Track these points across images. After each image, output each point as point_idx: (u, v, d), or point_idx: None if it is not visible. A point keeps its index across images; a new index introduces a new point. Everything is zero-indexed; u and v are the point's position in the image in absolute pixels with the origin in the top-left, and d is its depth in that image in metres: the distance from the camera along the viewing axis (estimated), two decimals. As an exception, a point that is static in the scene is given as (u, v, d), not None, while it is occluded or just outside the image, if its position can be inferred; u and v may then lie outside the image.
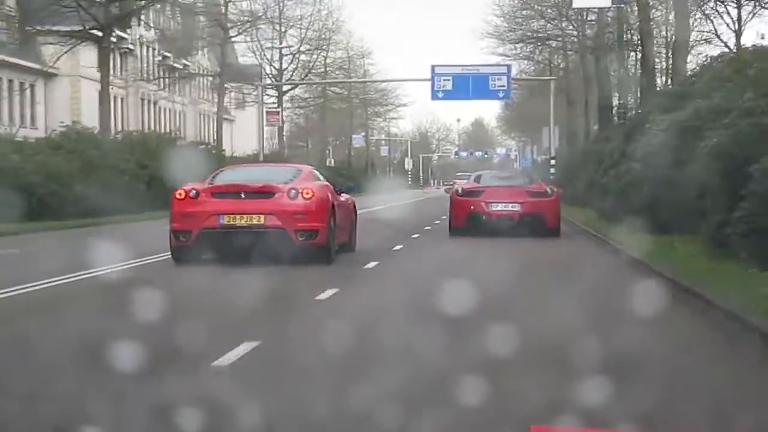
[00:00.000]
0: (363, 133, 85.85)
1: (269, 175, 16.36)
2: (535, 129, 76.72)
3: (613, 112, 46.77)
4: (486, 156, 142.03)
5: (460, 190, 23.38)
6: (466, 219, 22.25)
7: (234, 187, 15.45)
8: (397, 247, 19.21)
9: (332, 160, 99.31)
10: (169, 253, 15.44)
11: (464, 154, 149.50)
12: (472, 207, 22.21)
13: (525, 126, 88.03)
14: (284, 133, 75.80)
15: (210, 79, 64.58)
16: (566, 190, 39.57)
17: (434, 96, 52.84)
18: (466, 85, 52.02)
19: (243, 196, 15.11)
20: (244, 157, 56.57)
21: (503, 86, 52.21)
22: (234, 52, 77.03)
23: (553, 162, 50.94)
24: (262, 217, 14.83)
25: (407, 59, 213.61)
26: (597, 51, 48.32)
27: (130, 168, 33.87)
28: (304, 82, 67.53)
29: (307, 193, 15.10)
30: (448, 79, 52.34)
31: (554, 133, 52.19)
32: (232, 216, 14.86)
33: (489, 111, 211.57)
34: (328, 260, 15.26)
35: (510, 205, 22.10)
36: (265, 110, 54.33)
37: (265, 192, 15.21)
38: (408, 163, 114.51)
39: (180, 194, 15.22)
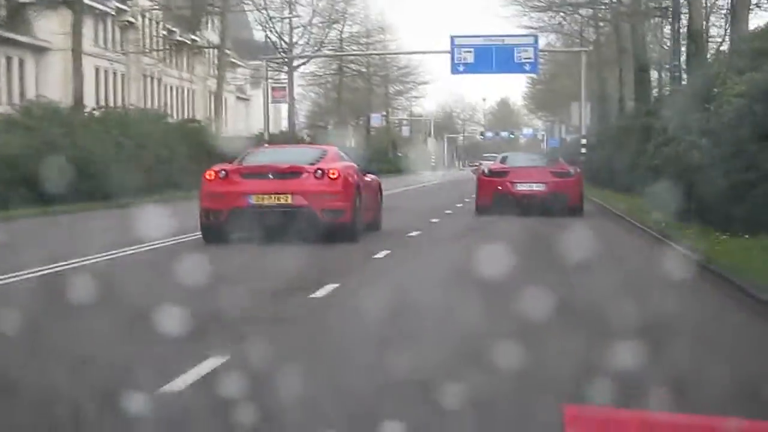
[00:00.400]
0: (383, 113, 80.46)
1: (296, 156, 16.57)
2: (564, 107, 71.84)
3: (653, 83, 42.02)
4: (512, 136, 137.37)
5: (486, 171, 23.88)
6: (493, 198, 22.74)
7: (262, 168, 15.65)
8: (414, 233, 17.94)
9: (353, 141, 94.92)
10: (199, 232, 15.59)
11: (490, 134, 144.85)
12: (499, 187, 22.73)
13: (553, 104, 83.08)
14: (302, 113, 71.47)
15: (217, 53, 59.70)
16: (600, 173, 34.93)
17: (454, 69, 48.08)
18: (489, 57, 47.25)
19: (271, 176, 15.34)
20: (247, 137, 51.96)
21: (530, 59, 47.36)
22: (248, 26, 72.54)
23: (584, 141, 46.15)
24: (290, 197, 15.05)
25: (429, 35, 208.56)
26: (633, 18, 43.29)
27: (105, 148, 29.30)
28: (314, 55, 62.54)
29: (333, 174, 15.28)
30: (470, 51, 47.60)
31: (585, 110, 47.32)
32: (260, 196, 15.09)
33: (515, 90, 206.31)
34: (354, 239, 15.41)
35: (534, 184, 22.59)
36: (270, 86, 49.43)
37: (293, 172, 15.40)
38: (431, 144, 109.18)
39: (210, 175, 15.47)
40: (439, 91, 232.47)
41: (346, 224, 15.42)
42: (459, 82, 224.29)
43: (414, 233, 17.58)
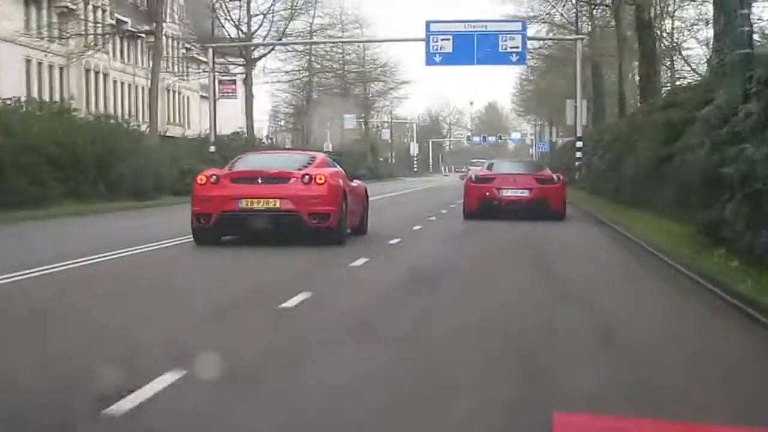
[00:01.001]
0: (361, 115, 73.39)
1: (285, 162, 16.76)
2: (555, 108, 64.91)
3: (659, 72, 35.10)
4: (500, 141, 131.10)
5: (473, 177, 24.42)
6: (479, 203, 23.31)
7: (251, 173, 15.88)
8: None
9: (330, 144, 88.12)
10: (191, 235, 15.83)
11: (476, 139, 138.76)
12: (486, 193, 23.25)
13: (543, 106, 76.08)
14: (259, 112, 64.37)
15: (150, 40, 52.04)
16: (602, 181, 28.03)
17: (429, 60, 41.18)
18: (470, 46, 40.39)
19: (260, 181, 15.59)
20: (186, 138, 44.96)
21: (517, 48, 40.50)
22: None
23: (579, 144, 39.20)
24: (278, 201, 15.37)
25: (411, 31, 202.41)
26: (638, -1, 36.32)
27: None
28: (272, 43, 54.80)
29: (320, 179, 15.58)
30: (447, 39, 40.75)
31: (581, 107, 40.36)
32: (249, 200, 15.41)
33: (504, 94, 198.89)
34: (340, 242, 15.67)
35: (519, 190, 23.12)
36: (217, 79, 42.35)
37: (281, 178, 15.66)
38: (413, 148, 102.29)
39: (201, 179, 15.81)
40: (425, 94, 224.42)
41: (332, 228, 15.65)
42: (445, 84, 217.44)
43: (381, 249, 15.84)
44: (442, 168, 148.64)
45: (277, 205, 15.36)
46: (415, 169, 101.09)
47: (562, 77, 62.37)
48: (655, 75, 35.79)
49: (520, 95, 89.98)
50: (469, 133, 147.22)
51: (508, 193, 23.16)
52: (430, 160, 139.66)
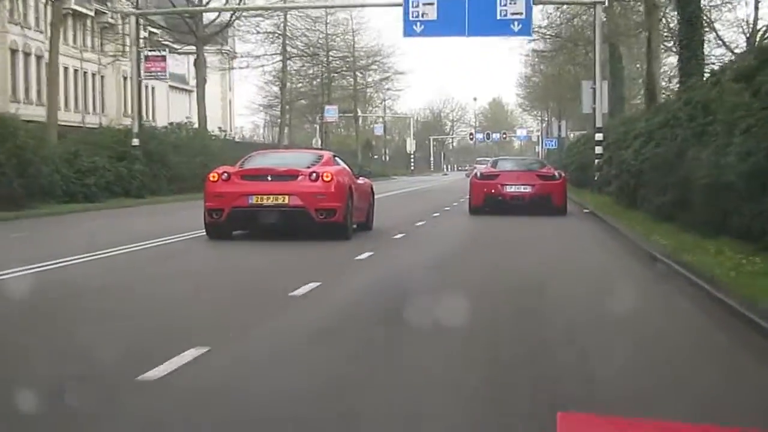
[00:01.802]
0: (344, 107, 63.91)
1: (293, 160, 17.22)
2: (564, 99, 55.76)
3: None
4: (504, 138, 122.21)
5: (479, 174, 24.88)
6: (484, 199, 23.85)
7: (261, 170, 16.27)
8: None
9: (319, 140, 79.25)
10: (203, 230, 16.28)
11: (480, 136, 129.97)
12: (492, 189, 23.77)
13: (550, 96, 66.85)
14: (243, 104, 55.32)
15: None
16: (633, 184, 19.17)
17: (408, 31, 32.23)
18: (460, 12, 31.36)
19: (270, 178, 15.95)
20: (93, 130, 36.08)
21: (520, 14, 31.40)
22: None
23: (599, 136, 30.13)
24: (287, 197, 15.70)
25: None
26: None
27: None
28: (216, 9, 44.74)
29: (327, 176, 15.90)
30: (431, 3, 31.61)
31: (602, 91, 31.22)
32: (259, 196, 15.73)
33: (509, 89, 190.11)
34: (346, 237, 15.96)
35: (522, 186, 23.57)
36: (142, 56, 33.26)
37: (290, 175, 16.01)
38: (410, 145, 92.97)
39: (213, 177, 16.21)
40: (426, 89, 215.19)
41: (338, 223, 15.93)
42: (448, 79, 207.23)
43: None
44: (444, 166, 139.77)
45: (286, 201, 15.75)
46: (412, 168, 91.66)
47: (573, 62, 53.51)
48: (700, 45, 26.66)
49: (526, 87, 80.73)
50: (473, 131, 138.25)
51: (511, 189, 23.64)
52: (431, 158, 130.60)
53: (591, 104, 31.38)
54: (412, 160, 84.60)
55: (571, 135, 50.65)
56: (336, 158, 17.68)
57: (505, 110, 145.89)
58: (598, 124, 30.76)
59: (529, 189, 23.52)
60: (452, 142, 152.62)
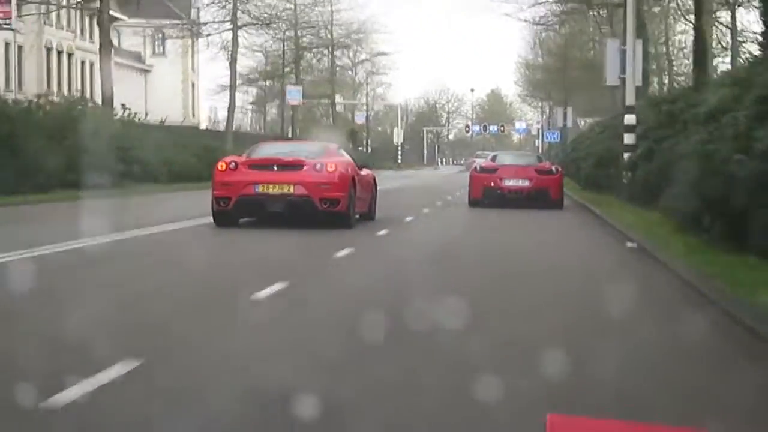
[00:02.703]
0: (298, 87, 54.66)
1: (299, 151, 17.57)
2: (572, 81, 46.94)
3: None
4: (502, 131, 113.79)
5: (478, 168, 25.51)
6: (483, 192, 24.39)
7: (268, 160, 16.74)
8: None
9: (297, 130, 70.30)
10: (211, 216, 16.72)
11: (477, 129, 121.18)
12: (490, 183, 24.29)
13: (554, 82, 57.99)
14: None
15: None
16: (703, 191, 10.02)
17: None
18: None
19: (276, 168, 16.38)
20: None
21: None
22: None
23: (631, 120, 21.30)
24: (292, 186, 16.14)
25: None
26: None
27: None
28: None
29: (331, 167, 16.36)
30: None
31: (635, 53, 22.23)
32: (265, 185, 16.17)
33: (508, 80, 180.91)
34: (349, 225, 16.40)
35: (520, 180, 24.09)
36: None
37: (295, 165, 16.44)
38: (398, 135, 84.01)
39: (221, 166, 16.62)
40: (422, 79, 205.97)
41: (341, 212, 16.35)
42: (444, 69, 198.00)
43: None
44: (438, 160, 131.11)
45: (291, 191, 16.14)
46: (399, 161, 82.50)
47: (580, 48, 45.03)
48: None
49: (526, 72, 71.84)
50: (469, 123, 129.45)
51: (510, 183, 24.12)
52: (425, 151, 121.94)
53: (619, 73, 22.42)
54: (399, 152, 75.33)
55: (582, 123, 41.57)
56: (340, 150, 18.30)
57: (504, 102, 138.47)
58: (630, 101, 22.00)
59: (527, 183, 24.06)
60: (448, 135, 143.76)
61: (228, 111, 46.15)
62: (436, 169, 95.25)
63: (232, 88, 45.81)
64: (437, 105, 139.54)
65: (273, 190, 16.11)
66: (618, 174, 22.78)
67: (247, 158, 16.97)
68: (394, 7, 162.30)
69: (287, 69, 54.47)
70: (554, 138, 66.52)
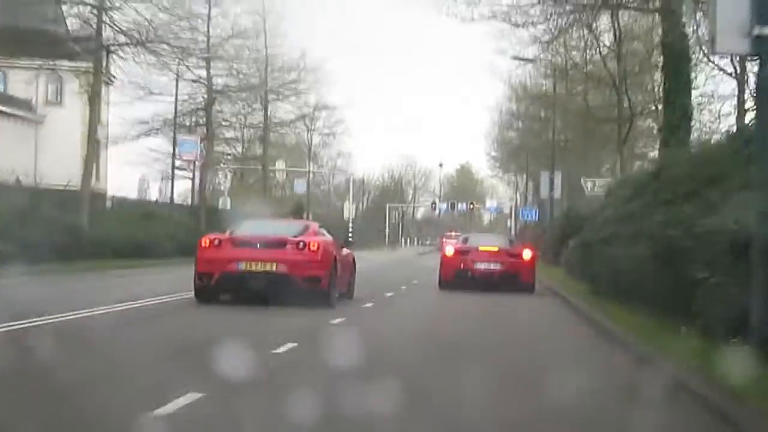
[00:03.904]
0: (194, 137, 42.51)
1: (281, 229, 17.91)
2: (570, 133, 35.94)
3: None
4: (472, 209, 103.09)
5: (449, 251, 25.21)
6: (455, 274, 24.22)
7: (251, 238, 16.97)
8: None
9: (228, 200, 58.64)
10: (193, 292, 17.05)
11: (444, 207, 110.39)
12: (461, 264, 24.21)
13: (535, 147, 47.05)
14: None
15: None
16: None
17: None
18: None
19: (259, 246, 16.68)
20: None
21: None
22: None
23: None
24: (274, 264, 16.39)
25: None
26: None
27: None
28: None
29: (314, 246, 16.67)
30: None
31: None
32: (249, 263, 16.42)
33: (479, 155, 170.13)
34: (329, 304, 16.57)
35: (492, 264, 24.03)
36: None
37: (278, 243, 16.73)
38: (349, 210, 72.30)
39: (205, 242, 17.04)
40: (385, 151, 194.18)
41: (323, 290, 16.56)
42: (411, 143, 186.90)
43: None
44: (402, 240, 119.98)
45: (274, 269, 16.33)
46: (350, 238, 70.49)
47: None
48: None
49: (501, 140, 60.93)
50: (436, 200, 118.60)
51: (482, 266, 23.96)
52: (387, 230, 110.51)
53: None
54: (350, 229, 63.59)
55: (590, 187, 30.09)
56: (321, 228, 18.42)
57: (475, 179, 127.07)
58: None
59: (498, 266, 24.03)
60: (414, 212, 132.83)
61: (84, 167, 34.18)
62: (393, 250, 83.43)
63: (91, 141, 33.87)
64: (403, 180, 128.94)
65: (255, 267, 16.33)
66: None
67: (230, 235, 17.24)
68: (355, 71, 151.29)
69: (194, 118, 42.93)
70: (531, 216, 55.47)
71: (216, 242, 16.71)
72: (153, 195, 62.15)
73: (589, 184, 30.19)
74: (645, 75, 32.00)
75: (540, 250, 34.87)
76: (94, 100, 32.46)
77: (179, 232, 36.92)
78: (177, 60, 33.77)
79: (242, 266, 16.20)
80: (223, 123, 48.36)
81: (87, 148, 34.47)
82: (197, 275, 16.55)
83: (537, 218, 55.63)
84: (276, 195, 60.76)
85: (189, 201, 50.69)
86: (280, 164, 59.46)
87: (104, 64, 38.13)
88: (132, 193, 43.10)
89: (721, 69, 30.29)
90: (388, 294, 21.15)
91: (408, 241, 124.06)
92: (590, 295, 18.67)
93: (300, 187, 65.64)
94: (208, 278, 16.38)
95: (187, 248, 39.55)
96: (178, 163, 49.42)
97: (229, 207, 58.98)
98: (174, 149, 39.34)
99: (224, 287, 16.56)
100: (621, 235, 15.01)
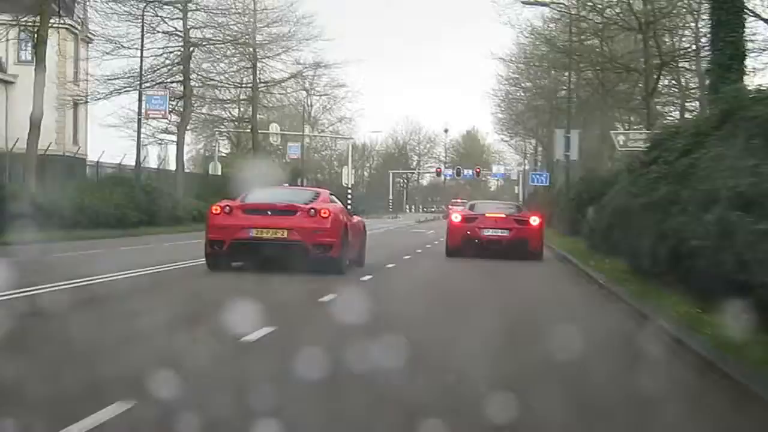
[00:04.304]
0: (162, 93, 37.88)
1: (292, 196, 17.90)
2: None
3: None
4: (478, 175, 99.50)
5: (457, 218, 24.78)
6: (462, 242, 23.85)
7: (262, 205, 16.89)
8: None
9: (218, 165, 54.83)
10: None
11: (449, 173, 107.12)
12: (467, 232, 23.85)
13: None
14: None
15: None
16: None
17: None
18: None
19: (270, 213, 16.60)
20: None
21: None
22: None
23: None
24: (285, 231, 16.28)
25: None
26: None
27: None
28: None
29: (325, 213, 16.54)
30: None
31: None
32: (260, 230, 16.33)
33: (485, 120, 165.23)
34: (340, 271, 16.37)
35: (500, 230, 23.67)
36: None
37: (289, 210, 16.63)
38: (347, 176, 68.16)
39: (216, 209, 16.77)
40: (388, 117, 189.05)
41: (333, 258, 16.39)
42: (416, 108, 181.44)
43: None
44: (408, 207, 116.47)
45: (285, 236, 16.22)
46: (350, 207, 66.60)
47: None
48: None
49: (507, 99, 56.80)
50: (440, 166, 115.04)
51: (489, 233, 23.62)
52: (390, 197, 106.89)
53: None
54: (349, 195, 59.64)
55: (624, 141, 25.70)
56: (332, 195, 18.46)
57: (481, 144, 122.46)
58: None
59: (506, 233, 23.72)
60: (419, 179, 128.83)
61: (30, 126, 30.10)
62: (394, 217, 79.36)
63: (38, 93, 29.76)
64: (407, 146, 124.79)
65: (267, 234, 16.25)
66: None
67: (241, 203, 17.13)
68: (364, 36, 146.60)
69: (172, 74, 38.63)
70: (541, 181, 51.40)
71: (227, 209, 16.60)
72: (152, 161, 58.00)
73: (621, 138, 25.91)
74: (676, 18, 27.89)
75: (552, 218, 31.58)
76: (41, 48, 28.53)
77: (144, 201, 33.67)
78: (149, 8, 29.66)
79: (253, 233, 16.25)
80: (209, 82, 44.28)
81: (33, 104, 30.48)
82: (208, 242, 16.54)
83: (548, 183, 51.70)
84: (271, 161, 56.67)
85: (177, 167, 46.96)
86: (273, 128, 55.33)
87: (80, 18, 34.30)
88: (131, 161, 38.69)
89: (756, 15, 26.32)
90: (389, 265, 19.72)
91: (414, 208, 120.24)
92: (630, 276, 14.70)
93: (294, 150, 61.28)
94: (220, 245, 16.35)
95: (155, 219, 35.62)
96: (159, 125, 45.51)
97: (219, 172, 55.09)
98: (140, 106, 35.11)
99: (235, 254, 16.53)
100: (681, 198, 11.00)
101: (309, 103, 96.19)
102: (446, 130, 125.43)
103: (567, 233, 30.89)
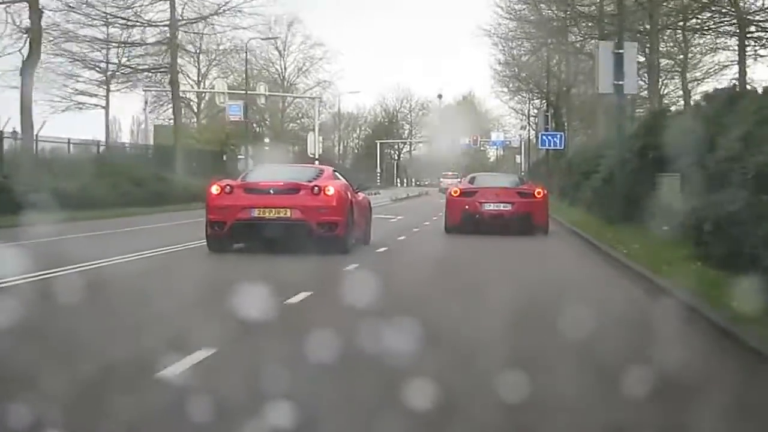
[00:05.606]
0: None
1: (295, 174, 17.37)
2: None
3: None
4: (475, 144, 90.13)
5: (455, 191, 24.06)
6: (461, 217, 23.13)
7: (264, 184, 16.48)
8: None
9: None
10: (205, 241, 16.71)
11: (444, 143, 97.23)
12: (467, 206, 23.06)
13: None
14: None
15: None
16: None
17: None
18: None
19: (272, 192, 16.21)
20: None
21: None
22: None
23: None
24: (289, 210, 15.98)
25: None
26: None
27: None
28: None
29: (329, 191, 16.14)
30: None
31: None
32: (262, 209, 16.01)
33: (482, 84, 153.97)
34: (345, 250, 16.12)
35: (501, 204, 22.91)
36: None
37: (292, 189, 16.24)
38: (314, 145, 57.13)
39: (216, 189, 16.34)
40: (377, 82, 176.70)
41: (338, 237, 16.18)
42: (408, 73, 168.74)
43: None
44: (398, 181, 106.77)
45: (288, 215, 15.92)
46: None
47: None
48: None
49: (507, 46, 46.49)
50: (436, 136, 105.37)
51: (490, 207, 22.80)
52: (378, 169, 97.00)
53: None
54: (317, 162, 49.10)
55: None
56: (336, 172, 18.04)
57: (478, 111, 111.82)
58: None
59: (509, 207, 22.75)
60: (411, 150, 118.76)
61: None
62: (376, 193, 68.89)
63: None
64: (398, 115, 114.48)
65: (269, 214, 15.94)
66: None
67: (242, 182, 16.84)
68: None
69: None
70: (554, 144, 41.06)
71: (227, 189, 16.21)
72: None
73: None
74: None
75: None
76: None
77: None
78: None
79: (255, 213, 15.94)
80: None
81: None
82: (209, 224, 16.21)
83: (563, 146, 41.12)
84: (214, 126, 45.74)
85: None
86: (220, 85, 44.40)
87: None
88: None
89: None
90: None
91: (405, 182, 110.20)
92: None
93: (234, 110, 49.07)
94: (221, 227, 16.03)
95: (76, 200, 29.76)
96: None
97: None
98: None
99: (237, 235, 16.27)
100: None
101: (283, 66, 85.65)
102: (440, 96, 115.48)
103: (619, 219, 19.36)
